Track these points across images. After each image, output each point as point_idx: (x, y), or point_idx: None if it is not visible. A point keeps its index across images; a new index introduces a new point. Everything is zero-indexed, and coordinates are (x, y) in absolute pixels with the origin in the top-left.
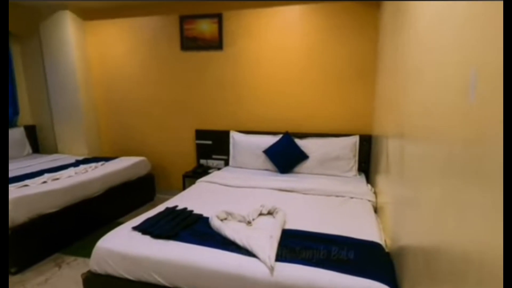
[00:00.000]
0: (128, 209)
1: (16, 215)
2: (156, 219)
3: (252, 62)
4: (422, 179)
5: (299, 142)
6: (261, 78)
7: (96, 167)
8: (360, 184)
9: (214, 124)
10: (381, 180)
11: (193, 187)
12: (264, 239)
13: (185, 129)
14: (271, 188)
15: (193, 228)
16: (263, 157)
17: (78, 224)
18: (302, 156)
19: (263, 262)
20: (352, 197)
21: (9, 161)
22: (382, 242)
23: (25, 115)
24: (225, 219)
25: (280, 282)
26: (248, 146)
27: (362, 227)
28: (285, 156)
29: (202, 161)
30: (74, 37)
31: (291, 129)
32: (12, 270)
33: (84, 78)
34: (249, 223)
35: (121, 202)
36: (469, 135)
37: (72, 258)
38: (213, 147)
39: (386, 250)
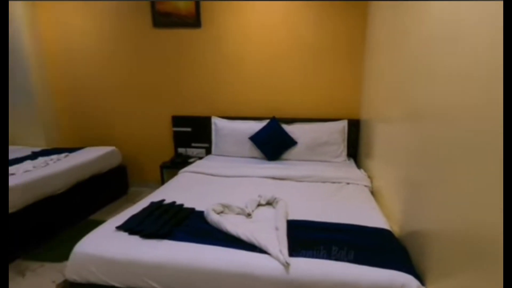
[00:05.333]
0: (99, 205)
1: None
2: (142, 216)
3: (234, 41)
4: (449, 161)
5: (287, 127)
6: (245, 59)
7: (58, 159)
8: (352, 169)
9: (193, 109)
10: (377, 164)
11: (176, 178)
12: (270, 232)
13: (160, 115)
14: (262, 176)
15: (187, 225)
16: (248, 144)
17: (41, 225)
18: (290, 142)
19: (275, 258)
20: (348, 183)
21: None
22: (389, 228)
23: None
24: (222, 212)
25: (296, 279)
26: (232, 132)
27: (366, 213)
28: (273, 143)
29: (181, 150)
30: (22, 14)
31: (278, 114)
32: None
33: (36, 60)
34: (249, 215)
35: (90, 197)
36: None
37: (38, 264)
38: (192, 135)
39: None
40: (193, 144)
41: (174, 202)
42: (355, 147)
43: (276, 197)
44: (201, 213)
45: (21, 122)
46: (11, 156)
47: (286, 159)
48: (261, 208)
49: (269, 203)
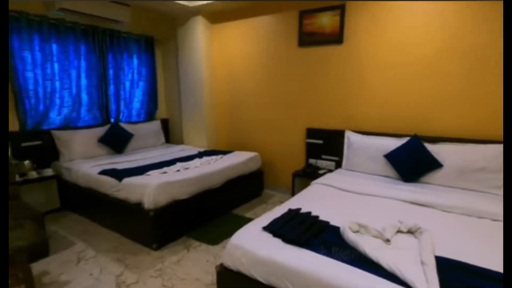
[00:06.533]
0: (240, 202)
1: (159, 198)
2: (282, 221)
3: (374, 54)
4: None
5: (430, 147)
6: (385, 72)
7: (216, 159)
8: None
9: (326, 122)
10: None
11: (309, 188)
12: (414, 266)
13: (296, 126)
14: (398, 199)
15: (323, 238)
16: (382, 161)
17: (201, 211)
18: (433, 164)
19: None
20: None
21: (148, 148)
22: None
23: (162, 110)
24: (357, 231)
25: None
26: (365, 148)
27: None
28: (412, 163)
29: (311, 161)
30: (203, 39)
31: (419, 131)
32: (154, 246)
33: (208, 76)
34: (387, 240)
35: (235, 195)
36: None
37: (197, 243)
38: (323, 147)
39: None
40: (323, 156)
41: (309, 213)
42: None
43: (420, 226)
44: (336, 228)
45: (193, 128)
46: (186, 153)
47: (426, 183)
48: (400, 235)
49: (410, 232)
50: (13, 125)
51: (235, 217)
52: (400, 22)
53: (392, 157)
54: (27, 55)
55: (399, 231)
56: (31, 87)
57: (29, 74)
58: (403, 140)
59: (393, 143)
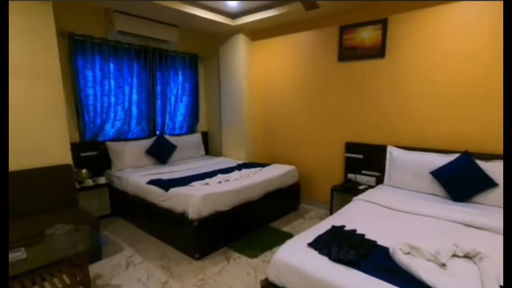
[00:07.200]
0: (277, 215)
1: (203, 209)
2: (327, 238)
3: (418, 68)
4: None
5: (483, 165)
6: (430, 86)
7: (255, 172)
8: None
9: (367, 137)
10: None
11: (351, 205)
12: None
13: (335, 141)
14: (449, 219)
15: (373, 258)
16: (428, 178)
17: (240, 223)
18: (487, 183)
19: None
20: None
21: (189, 159)
22: None
23: (202, 123)
24: (409, 253)
25: None
26: (409, 164)
27: None
28: (463, 181)
29: (350, 176)
30: (243, 56)
31: (471, 148)
32: (196, 255)
33: (248, 91)
34: (443, 265)
35: (273, 207)
36: None
37: (237, 255)
38: (363, 162)
39: None
40: (363, 171)
41: (354, 231)
42: None
43: (479, 251)
44: (384, 249)
45: (232, 140)
46: (226, 165)
47: (478, 203)
48: (456, 259)
49: (467, 257)
50: (74, 136)
51: (272, 230)
52: (445, 37)
53: (440, 174)
54: (89, 74)
55: (454, 255)
56: (91, 102)
57: (90, 91)
58: (452, 157)
59: (440, 160)
